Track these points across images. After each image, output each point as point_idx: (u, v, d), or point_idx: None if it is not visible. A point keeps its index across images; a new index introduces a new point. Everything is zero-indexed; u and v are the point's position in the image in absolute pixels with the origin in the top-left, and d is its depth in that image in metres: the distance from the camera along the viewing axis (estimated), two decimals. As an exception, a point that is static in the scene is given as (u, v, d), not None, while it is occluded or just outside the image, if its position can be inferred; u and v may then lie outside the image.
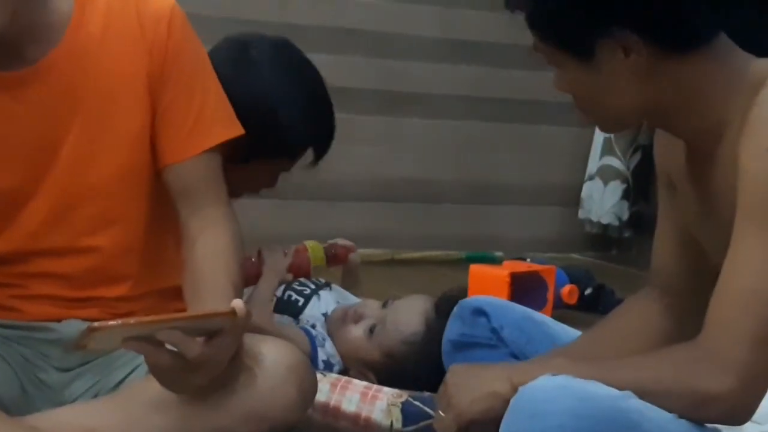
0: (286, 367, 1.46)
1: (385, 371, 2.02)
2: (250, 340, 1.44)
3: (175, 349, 1.30)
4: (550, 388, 1.14)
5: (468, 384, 1.27)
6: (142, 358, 1.41)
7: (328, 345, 2.07)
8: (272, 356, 1.46)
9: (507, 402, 1.19)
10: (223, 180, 1.61)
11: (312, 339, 2.04)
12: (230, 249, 1.54)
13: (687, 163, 1.33)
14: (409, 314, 2.06)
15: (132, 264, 1.60)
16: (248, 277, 2.14)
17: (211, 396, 1.40)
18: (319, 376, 1.72)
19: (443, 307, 1.98)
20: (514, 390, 1.19)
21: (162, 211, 1.61)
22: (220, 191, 1.60)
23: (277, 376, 1.44)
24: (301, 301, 2.19)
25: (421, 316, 2.04)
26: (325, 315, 2.17)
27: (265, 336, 1.65)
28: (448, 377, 1.32)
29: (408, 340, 2.01)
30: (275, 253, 2.26)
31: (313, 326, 2.11)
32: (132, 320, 1.25)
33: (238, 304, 1.30)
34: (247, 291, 2.14)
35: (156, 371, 1.34)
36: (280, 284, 2.22)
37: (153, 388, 1.38)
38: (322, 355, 2.04)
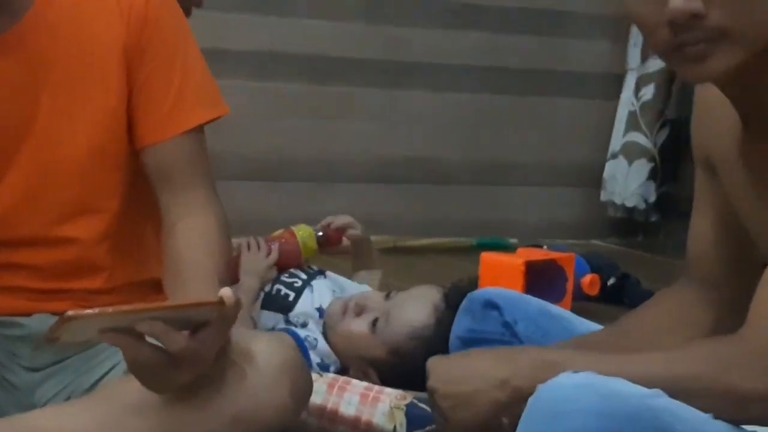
0: (279, 365, 1.46)
1: (390, 370, 2.02)
2: (239, 335, 1.44)
3: (156, 343, 1.30)
4: (571, 387, 1.13)
5: (461, 395, 1.28)
6: (119, 356, 1.41)
7: (321, 345, 2.06)
8: (263, 353, 1.46)
9: (509, 406, 1.21)
10: (207, 162, 1.61)
11: (301, 342, 2.03)
12: (215, 235, 1.54)
13: (741, 141, 1.32)
14: (416, 306, 2.05)
15: (107, 254, 1.60)
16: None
17: (195, 396, 1.40)
18: (315, 376, 1.72)
19: (454, 299, 1.98)
20: (515, 392, 1.21)
21: (140, 197, 1.61)
22: (204, 174, 1.60)
23: (269, 375, 1.44)
24: (292, 295, 2.18)
25: (430, 308, 2.04)
26: (319, 309, 2.16)
27: (255, 331, 1.65)
28: (434, 384, 1.31)
29: (416, 335, 2.01)
30: (254, 253, 2.23)
31: (305, 324, 2.10)
32: (110, 309, 1.25)
33: (226, 292, 1.30)
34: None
35: (135, 367, 1.34)
36: (261, 287, 2.20)
37: (132, 388, 1.38)
38: (315, 358, 2.03)
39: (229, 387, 1.42)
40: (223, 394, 1.41)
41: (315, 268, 2.28)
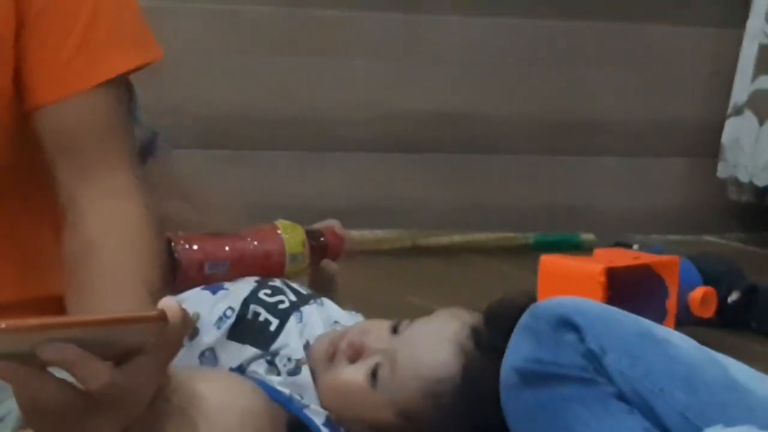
0: (239, 415, 1.48)
1: None
2: (182, 371, 1.46)
3: (67, 377, 1.32)
4: None
5: None
6: (12, 404, 1.44)
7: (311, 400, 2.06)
8: (217, 398, 1.48)
9: None
10: (126, 129, 1.64)
11: (298, 413, 2.02)
12: (140, 227, 1.57)
13: None
14: (433, 347, 2.05)
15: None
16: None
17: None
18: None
19: (489, 336, 1.99)
20: None
21: (30, 183, 1.65)
22: (123, 146, 1.62)
23: (224, 428, 1.46)
24: (275, 322, 2.15)
25: (452, 349, 2.04)
26: (307, 347, 2.16)
27: (208, 369, 1.67)
28: None
29: (431, 391, 2.02)
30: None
31: (295, 371, 2.08)
32: (2, 324, 1.25)
33: (169, 304, 1.31)
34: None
35: (34, 414, 1.34)
36: None
37: (26, 449, 1.40)
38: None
39: (169, 446, 1.44)
40: (160, 454, 1.44)
41: (307, 289, 2.26)
